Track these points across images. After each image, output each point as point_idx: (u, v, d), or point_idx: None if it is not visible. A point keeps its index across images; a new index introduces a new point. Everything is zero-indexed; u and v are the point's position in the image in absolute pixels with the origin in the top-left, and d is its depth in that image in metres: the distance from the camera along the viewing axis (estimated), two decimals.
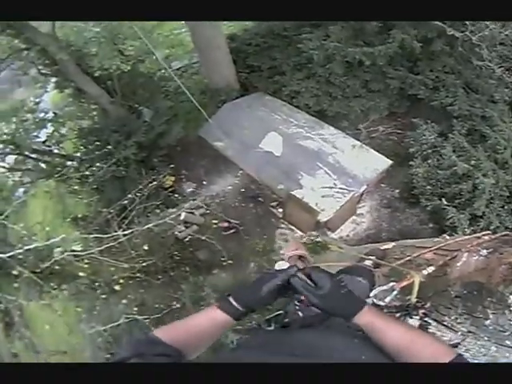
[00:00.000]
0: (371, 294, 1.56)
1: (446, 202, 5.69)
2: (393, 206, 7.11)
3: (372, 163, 6.43)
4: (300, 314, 1.35)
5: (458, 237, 2.46)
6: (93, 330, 5.06)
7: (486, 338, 1.87)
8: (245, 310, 1.07)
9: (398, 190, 7.18)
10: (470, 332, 1.89)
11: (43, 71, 7.74)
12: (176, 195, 8.06)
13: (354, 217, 7.15)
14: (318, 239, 7.09)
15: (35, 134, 8.03)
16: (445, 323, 1.99)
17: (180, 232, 7.73)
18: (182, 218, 7.30)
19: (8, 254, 4.46)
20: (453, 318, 1.92)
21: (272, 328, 1.25)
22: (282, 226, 7.79)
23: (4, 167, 8.07)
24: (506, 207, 5.29)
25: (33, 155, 8.34)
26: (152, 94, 8.36)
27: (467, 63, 6.20)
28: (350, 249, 5.24)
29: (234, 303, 1.07)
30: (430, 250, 2.31)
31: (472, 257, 1.93)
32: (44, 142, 9.01)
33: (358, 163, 6.37)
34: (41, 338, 7.63)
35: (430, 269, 1.97)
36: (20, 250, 4.55)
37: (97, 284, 5.56)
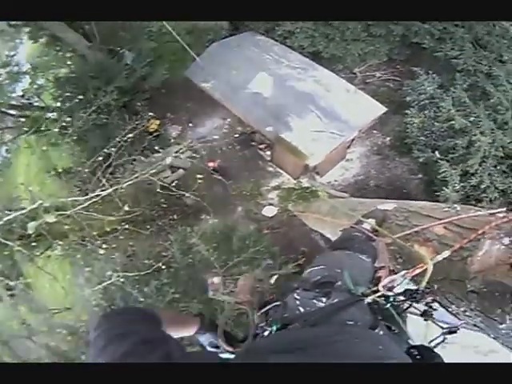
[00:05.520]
0: (381, 285, 1.37)
1: (439, 155, 5.64)
2: (383, 153, 7.13)
3: (365, 109, 6.24)
4: (301, 308, 1.31)
5: (470, 211, 2.21)
6: (86, 292, 5.05)
7: (492, 336, 1.78)
8: None
9: (389, 138, 7.16)
10: (476, 326, 1.79)
11: (12, 22, 7.10)
12: (161, 140, 7.83)
13: (343, 162, 7.14)
14: (306, 185, 7.08)
15: (10, 88, 7.69)
16: (450, 310, 1.90)
17: (166, 177, 7.55)
18: (168, 162, 7.12)
19: None
20: (462, 309, 1.79)
21: (273, 329, 1.20)
22: (270, 168, 7.71)
23: None
24: (498, 167, 5.30)
25: (11, 111, 8.01)
26: (134, 35, 7.81)
27: None
28: (344, 203, 5.12)
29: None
30: (441, 223, 2.09)
31: (494, 245, 1.70)
32: (22, 95, 8.65)
33: (351, 108, 6.15)
34: (43, 299, 7.69)
35: (445, 254, 1.80)
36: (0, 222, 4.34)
37: (86, 240, 5.46)
